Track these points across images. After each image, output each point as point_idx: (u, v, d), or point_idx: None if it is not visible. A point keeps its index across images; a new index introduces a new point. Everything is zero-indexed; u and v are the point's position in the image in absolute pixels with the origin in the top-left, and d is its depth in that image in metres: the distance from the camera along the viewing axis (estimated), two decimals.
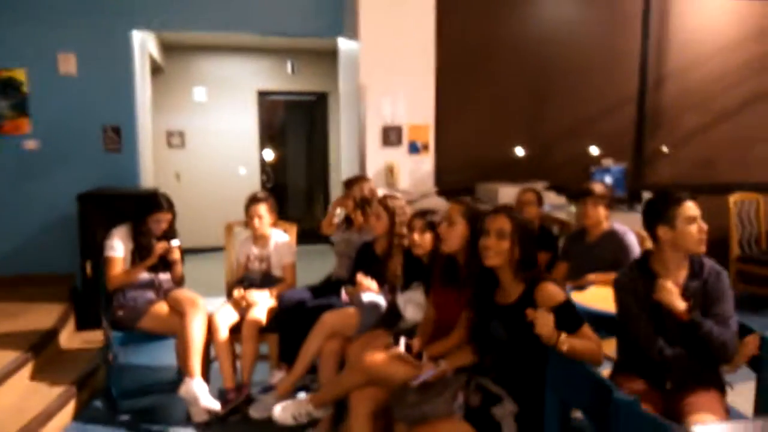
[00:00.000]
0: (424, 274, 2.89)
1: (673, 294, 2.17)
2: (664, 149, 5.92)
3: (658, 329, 2.24)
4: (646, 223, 2.36)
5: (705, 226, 2.25)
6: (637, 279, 2.32)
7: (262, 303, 3.47)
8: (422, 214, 2.89)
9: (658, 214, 2.29)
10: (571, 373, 1.94)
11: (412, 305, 2.94)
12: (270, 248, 3.70)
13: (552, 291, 2.12)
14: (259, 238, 3.72)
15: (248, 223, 3.67)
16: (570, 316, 2.07)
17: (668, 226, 2.25)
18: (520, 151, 5.59)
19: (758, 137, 6.10)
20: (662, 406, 2.18)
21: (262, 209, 3.63)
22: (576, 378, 1.92)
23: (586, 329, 2.08)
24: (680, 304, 2.16)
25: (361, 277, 3.13)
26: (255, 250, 3.72)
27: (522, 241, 2.17)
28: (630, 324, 2.32)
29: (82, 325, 4.35)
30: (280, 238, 3.74)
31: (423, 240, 2.82)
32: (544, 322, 1.95)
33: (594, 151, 5.70)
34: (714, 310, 2.23)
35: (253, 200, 3.65)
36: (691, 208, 2.26)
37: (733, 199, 5.39)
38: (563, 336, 1.95)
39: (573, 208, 4.98)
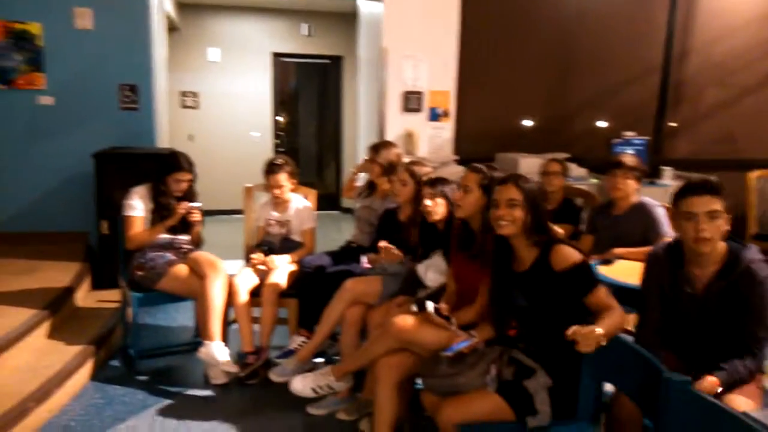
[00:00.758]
0: (442, 242, 2.85)
1: (709, 385, 1.96)
2: (673, 124, 5.81)
3: (672, 318, 2.16)
4: None
5: (703, 227, 2.01)
6: (665, 263, 2.22)
7: (282, 267, 3.43)
8: (432, 182, 2.85)
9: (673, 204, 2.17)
10: (612, 353, 1.87)
11: (433, 270, 2.90)
12: (290, 213, 3.65)
13: (567, 252, 2.07)
14: (279, 203, 3.66)
15: (268, 190, 3.62)
16: (586, 277, 2.04)
17: (673, 219, 2.16)
18: (530, 122, 5.52)
19: None
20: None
21: (283, 178, 3.56)
22: (617, 357, 1.86)
23: (602, 291, 2.03)
24: (713, 388, 1.96)
25: (385, 245, 3.08)
26: (275, 215, 3.67)
27: (533, 208, 2.13)
28: (643, 310, 2.26)
29: (97, 285, 4.34)
30: (301, 203, 3.69)
31: (435, 206, 2.79)
32: (587, 341, 1.79)
33: (602, 124, 5.61)
34: (740, 321, 2.03)
35: (272, 169, 3.57)
36: (690, 203, 2.05)
37: (754, 175, 5.30)
38: (601, 333, 1.80)
39: (594, 180, 4.92)
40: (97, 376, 3.33)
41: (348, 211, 8.53)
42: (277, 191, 3.57)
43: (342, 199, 8.82)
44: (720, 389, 1.98)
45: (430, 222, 2.85)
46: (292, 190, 3.67)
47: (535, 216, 2.13)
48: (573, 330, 1.81)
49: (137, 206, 3.42)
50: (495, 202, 2.18)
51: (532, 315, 2.17)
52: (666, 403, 1.49)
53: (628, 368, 1.83)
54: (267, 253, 3.51)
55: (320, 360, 3.36)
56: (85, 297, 4.12)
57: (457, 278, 2.67)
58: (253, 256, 3.48)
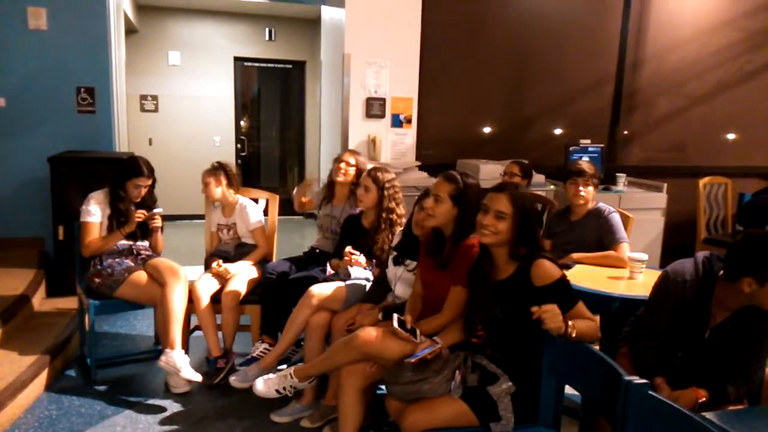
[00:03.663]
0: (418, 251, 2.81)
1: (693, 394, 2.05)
2: (625, 133, 6.00)
3: (679, 339, 2.19)
4: (732, 257, 2.06)
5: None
6: (692, 287, 2.16)
7: (242, 274, 3.41)
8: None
9: (753, 262, 1.99)
10: (573, 356, 1.91)
11: (402, 282, 2.89)
12: (234, 215, 3.65)
13: (548, 268, 2.06)
14: (225, 207, 3.67)
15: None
16: (566, 293, 2.04)
17: (756, 281, 1.98)
18: (490, 130, 5.61)
19: (728, 123, 6.23)
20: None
21: (208, 176, 3.57)
22: (578, 360, 1.90)
23: (581, 306, 2.05)
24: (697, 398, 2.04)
25: (349, 251, 3.08)
26: (222, 219, 3.67)
27: (522, 222, 2.10)
28: (648, 325, 2.26)
29: (53, 292, 4.22)
30: (244, 202, 3.67)
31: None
32: (553, 317, 1.87)
33: (559, 132, 5.76)
34: (745, 353, 2.09)
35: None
36: None
37: (703, 182, 5.50)
38: (571, 324, 1.89)
39: (552, 186, 5.03)
40: (52, 386, 3.23)
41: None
42: (203, 188, 3.58)
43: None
44: (704, 399, 2.03)
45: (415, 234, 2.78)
46: (236, 192, 3.65)
47: (522, 230, 2.10)
48: (537, 308, 1.86)
49: (94, 212, 3.35)
50: (484, 207, 2.16)
51: (505, 325, 2.17)
52: (625, 407, 1.52)
53: (588, 372, 1.86)
54: (224, 260, 3.48)
55: (284, 367, 3.33)
56: (40, 305, 4.00)
57: (425, 285, 2.65)
58: (213, 265, 3.43)
